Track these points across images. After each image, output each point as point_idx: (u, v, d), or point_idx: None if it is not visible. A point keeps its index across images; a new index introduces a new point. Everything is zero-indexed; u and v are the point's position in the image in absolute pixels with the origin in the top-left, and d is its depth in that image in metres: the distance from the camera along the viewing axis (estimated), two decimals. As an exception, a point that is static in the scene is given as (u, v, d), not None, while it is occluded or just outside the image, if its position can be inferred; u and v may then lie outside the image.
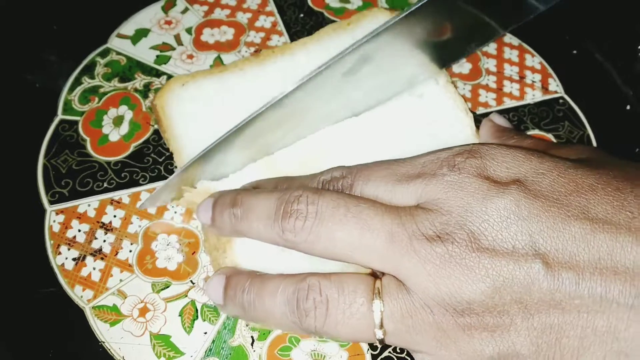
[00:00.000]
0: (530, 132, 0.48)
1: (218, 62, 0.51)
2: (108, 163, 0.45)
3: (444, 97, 0.44)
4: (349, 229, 0.31)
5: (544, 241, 0.28)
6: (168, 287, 0.40)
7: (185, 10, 0.54)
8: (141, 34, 0.52)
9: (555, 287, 0.28)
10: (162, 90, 0.44)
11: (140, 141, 0.46)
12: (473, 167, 0.31)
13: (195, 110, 0.43)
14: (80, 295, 0.39)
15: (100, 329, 0.38)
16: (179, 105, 0.43)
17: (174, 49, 0.52)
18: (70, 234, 0.41)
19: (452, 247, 0.29)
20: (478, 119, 0.48)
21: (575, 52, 0.54)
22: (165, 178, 0.44)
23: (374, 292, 0.31)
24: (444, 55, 0.44)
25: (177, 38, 0.52)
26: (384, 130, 0.42)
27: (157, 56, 0.51)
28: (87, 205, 0.43)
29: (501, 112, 0.49)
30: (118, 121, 0.47)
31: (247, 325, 0.38)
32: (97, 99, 0.48)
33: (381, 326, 0.31)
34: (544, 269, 0.28)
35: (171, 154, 0.45)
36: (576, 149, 0.36)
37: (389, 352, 0.37)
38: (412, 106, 0.44)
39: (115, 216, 0.42)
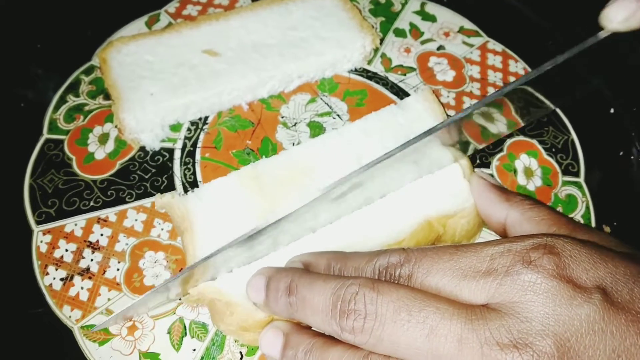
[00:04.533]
0: (515, 139, 0.48)
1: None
2: (94, 181, 0.45)
3: (422, 107, 0.44)
4: (414, 335, 0.28)
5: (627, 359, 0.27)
6: (156, 304, 0.40)
7: (170, 25, 0.54)
8: (125, 50, 0.53)
9: None
10: (107, 46, 0.49)
11: (126, 158, 0.46)
12: (552, 265, 0.29)
13: (132, 61, 0.48)
14: (68, 315, 0.39)
15: (89, 348, 0.38)
16: (119, 57, 0.49)
17: (158, 64, 0.52)
18: (57, 254, 0.42)
19: (531, 359, 0.27)
20: (463, 127, 0.49)
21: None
22: (152, 195, 0.44)
23: None
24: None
25: (162, 53, 0.53)
26: (364, 143, 0.43)
27: (142, 72, 0.51)
28: (74, 224, 0.43)
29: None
30: (103, 139, 0.47)
31: (235, 341, 0.39)
32: (82, 117, 0.48)
33: None
34: None
35: (157, 171, 0.46)
36: (609, 240, 0.34)
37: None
38: (391, 118, 0.44)
39: (102, 235, 0.42)
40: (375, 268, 0.32)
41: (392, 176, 0.39)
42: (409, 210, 0.40)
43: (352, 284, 0.30)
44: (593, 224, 0.45)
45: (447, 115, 0.44)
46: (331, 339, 0.32)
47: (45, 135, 0.47)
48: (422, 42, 0.54)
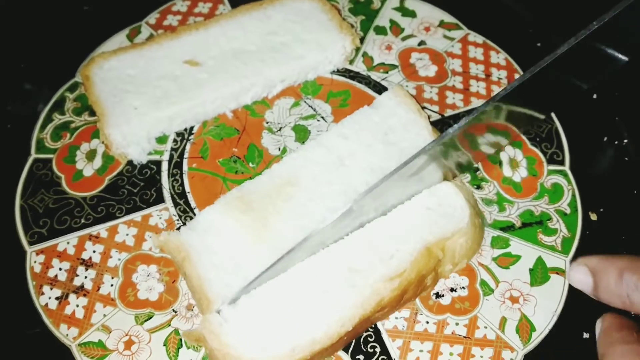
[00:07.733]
0: (498, 130, 0.49)
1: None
2: (84, 199, 0.45)
3: (394, 103, 0.45)
4: None
5: None
6: (151, 317, 0.40)
7: (150, 37, 0.54)
8: (108, 64, 0.53)
9: None
10: (89, 62, 0.49)
11: (114, 173, 0.47)
12: None
13: (114, 76, 0.48)
14: (65, 333, 0.40)
15: (88, 365, 0.39)
16: (101, 73, 0.48)
17: (141, 77, 0.52)
18: (51, 273, 0.42)
19: None
20: (447, 122, 0.49)
21: (539, 44, 0.55)
22: (141, 209, 0.45)
23: None
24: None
25: (144, 65, 0.53)
26: (344, 147, 0.43)
27: (126, 86, 0.51)
28: (67, 242, 0.43)
29: (468, 113, 0.50)
30: (91, 155, 0.47)
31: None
32: (69, 135, 0.49)
33: None
34: None
35: (145, 184, 0.46)
36: None
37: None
38: (366, 118, 0.45)
39: (94, 251, 0.43)
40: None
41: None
42: (406, 239, 0.39)
43: None
44: (580, 212, 0.45)
45: (422, 108, 0.44)
46: None
47: (34, 155, 0.48)
48: (403, 39, 0.55)
